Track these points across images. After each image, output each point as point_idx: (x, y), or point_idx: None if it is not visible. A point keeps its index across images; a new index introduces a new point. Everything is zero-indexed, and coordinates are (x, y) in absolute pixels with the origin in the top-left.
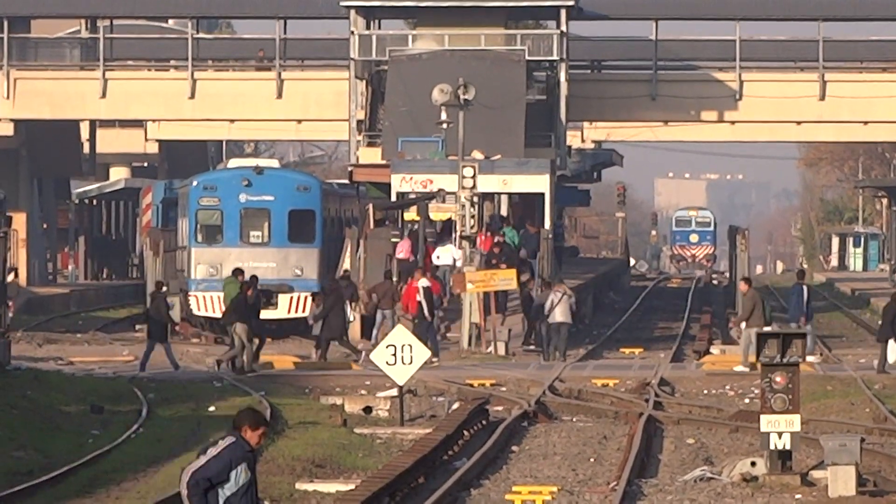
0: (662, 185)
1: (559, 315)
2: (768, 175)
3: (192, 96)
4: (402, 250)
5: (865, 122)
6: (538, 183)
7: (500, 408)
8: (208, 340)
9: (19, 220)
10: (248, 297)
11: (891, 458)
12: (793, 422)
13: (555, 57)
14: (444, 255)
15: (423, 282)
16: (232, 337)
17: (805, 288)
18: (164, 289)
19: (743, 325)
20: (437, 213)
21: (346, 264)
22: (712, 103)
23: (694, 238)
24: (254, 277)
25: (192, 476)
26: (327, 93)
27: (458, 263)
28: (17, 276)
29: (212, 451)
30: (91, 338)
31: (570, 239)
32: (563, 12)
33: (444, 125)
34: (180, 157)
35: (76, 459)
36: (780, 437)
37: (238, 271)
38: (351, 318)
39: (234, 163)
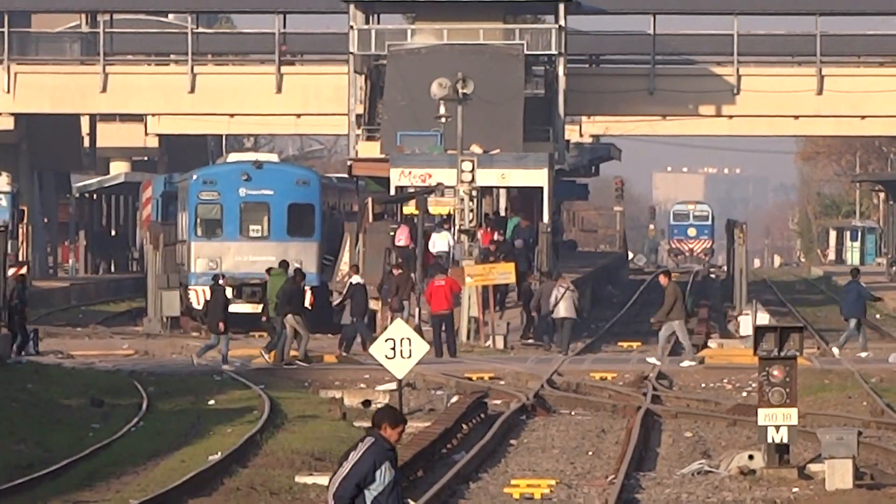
0: (660, 179)
1: (563, 310)
2: (766, 169)
3: (192, 90)
4: (402, 237)
5: (863, 117)
6: (536, 177)
7: (498, 401)
8: (208, 334)
9: None
10: (301, 286)
11: (888, 451)
12: (790, 415)
13: (553, 51)
14: (440, 241)
15: (356, 278)
16: (275, 328)
17: (859, 286)
18: (222, 281)
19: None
20: (436, 206)
21: (345, 258)
22: (710, 97)
23: (692, 232)
24: (298, 270)
25: (340, 486)
26: (326, 87)
27: (455, 249)
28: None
29: (353, 457)
30: (91, 331)
31: (568, 233)
32: (561, 7)
33: (443, 119)
34: (180, 152)
35: (76, 453)
36: (777, 431)
37: (284, 263)
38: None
39: (233, 157)
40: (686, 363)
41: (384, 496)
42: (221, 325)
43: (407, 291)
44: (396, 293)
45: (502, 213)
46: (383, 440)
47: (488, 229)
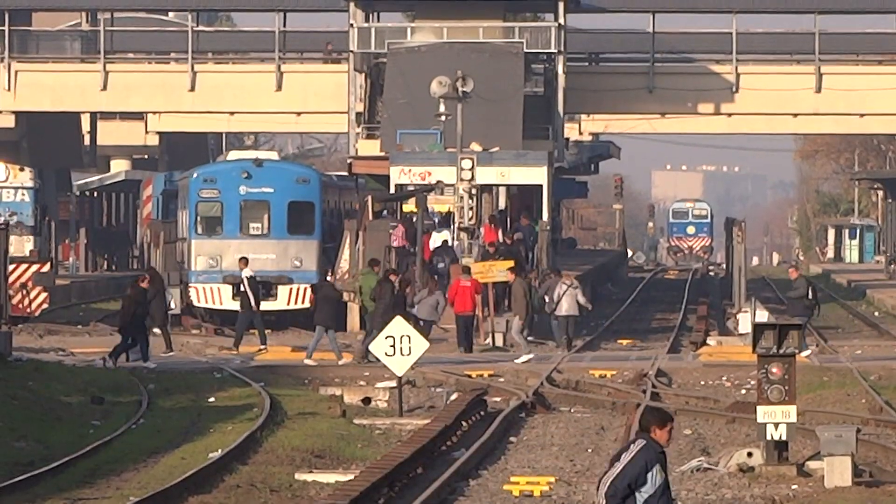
0: (660, 177)
1: (565, 307)
2: (765, 167)
3: (193, 89)
4: (396, 238)
5: (861, 115)
6: (536, 175)
7: (498, 399)
8: (208, 332)
9: None
10: (404, 294)
11: (886, 448)
12: (789, 413)
13: (552, 49)
14: (439, 241)
15: (247, 272)
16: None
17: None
18: (329, 277)
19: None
20: (436, 204)
21: (345, 255)
22: (709, 96)
23: (691, 230)
24: (394, 272)
25: (612, 485)
26: (326, 85)
27: (455, 247)
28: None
29: (626, 457)
30: (92, 329)
31: (567, 230)
32: (560, 5)
33: (443, 117)
34: (180, 150)
35: (77, 450)
36: (776, 428)
37: (374, 262)
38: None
39: (233, 155)
40: (522, 359)
41: (654, 499)
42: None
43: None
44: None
45: (500, 213)
46: (654, 442)
47: (492, 226)
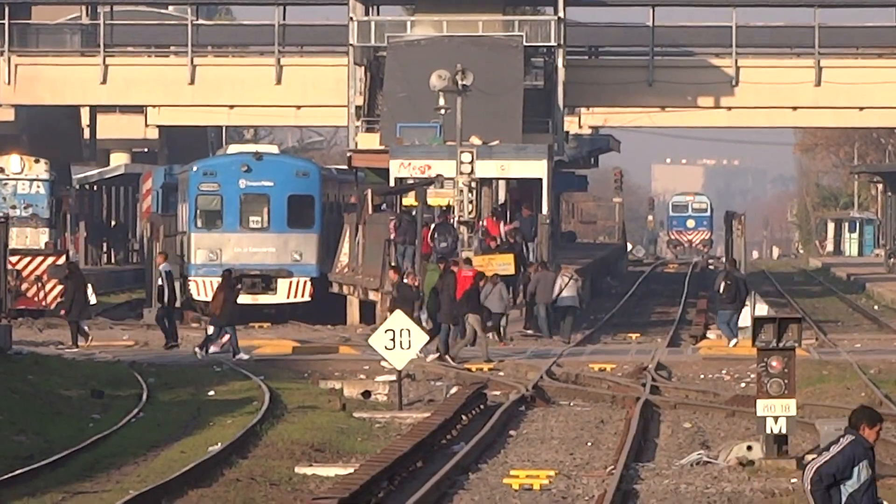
0: (659, 170)
1: (567, 299)
2: (765, 161)
3: (192, 82)
4: (390, 231)
5: (861, 108)
6: (536, 168)
7: (497, 392)
8: (208, 325)
9: None
10: (479, 287)
11: (886, 442)
12: (789, 406)
13: (552, 43)
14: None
15: (165, 266)
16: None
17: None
18: (408, 279)
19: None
20: (436, 198)
21: (345, 249)
22: (709, 89)
23: (691, 223)
24: (480, 272)
25: (817, 471)
26: (326, 79)
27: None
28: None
29: (835, 448)
30: (91, 322)
31: (567, 224)
32: None
33: (443, 111)
34: (180, 143)
35: (77, 444)
36: (776, 422)
37: (440, 259)
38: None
39: (233, 148)
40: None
41: (859, 494)
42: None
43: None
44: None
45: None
46: (863, 439)
47: (495, 219)
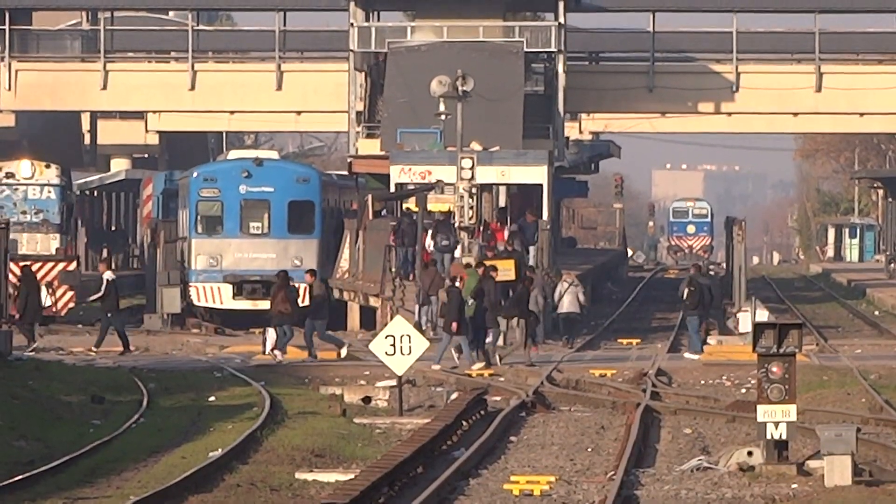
0: (660, 176)
1: (566, 305)
2: (765, 166)
3: (193, 88)
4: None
5: (861, 114)
6: (536, 174)
7: (498, 398)
8: (209, 331)
9: None
10: (529, 290)
11: (886, 447)
12: (789, 412)
13: (553, 48)
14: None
15: (108, 274)
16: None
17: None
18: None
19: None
20: (436, 204)
21: (345, 255)
22: (709, 95)
23: (691, 229)
24: (526, 275)
25: None
26: (327, 84)
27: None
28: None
29: None
30: (92, 328)
31: (568, 230)
32: (560, 4)
33: (443, 116)
34: (181, 149)
35: (77, 449)
36: (776, 427)
37: (479, 264)
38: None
39: (234, 154)
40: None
41: None
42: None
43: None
44: (429, 287)
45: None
46: None
47: (499, 223)
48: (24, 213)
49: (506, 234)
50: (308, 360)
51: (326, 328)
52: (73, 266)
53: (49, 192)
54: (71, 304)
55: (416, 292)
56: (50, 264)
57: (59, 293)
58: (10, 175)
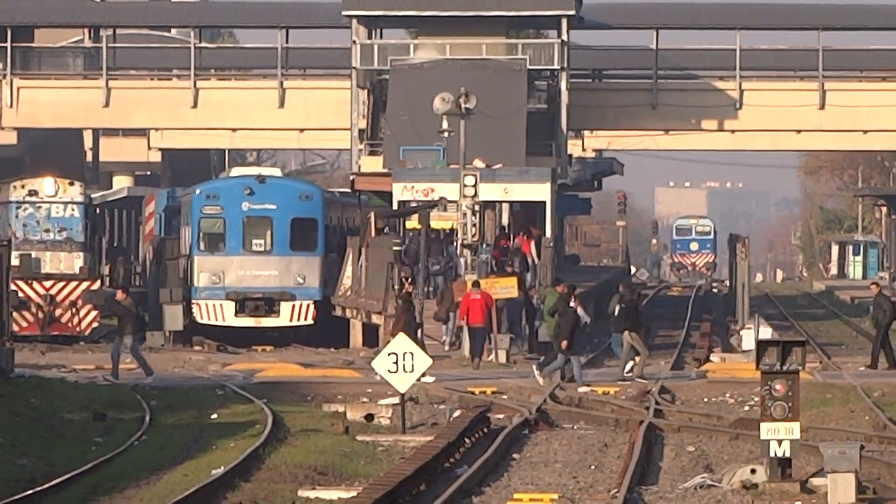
0: (663, 193)
1: None
2: (768, 183)
3: (195, 105)
4: None
5: (865, 132)
6: (539, 191)
7: (501, 415)
8: (211, 348)
9: None
10: (636, 303)
11: (890, 465)
12: (792, 429)
13: (556, 66)
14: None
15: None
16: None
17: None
18: (573, 304)
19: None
20: (439, 221)
21: (347, 272)
22: (713, 112)
23: (694, 246)
24: (633, 288)
25: None
26: (329, 102)
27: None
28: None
29: None
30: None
31: (571, 247)
32: (563, 22)
33: (446, 134)
34: (183, 166)
35: (79, 467)
36: (779, 445)
37: (557, 281)
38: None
39: (236, 171)
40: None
41: None
42: (565, 344)
43: (452, 303)
44: (441, 302)
45: (506, 229)
46: None
47: (525, 237)
48: (47, 231)
49: (532, 247)
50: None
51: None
52: (96, 285)
53: (73, 209)
54: (95, 324)
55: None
56: (73, 283)
57: (82, 312)
58: (33, 193)
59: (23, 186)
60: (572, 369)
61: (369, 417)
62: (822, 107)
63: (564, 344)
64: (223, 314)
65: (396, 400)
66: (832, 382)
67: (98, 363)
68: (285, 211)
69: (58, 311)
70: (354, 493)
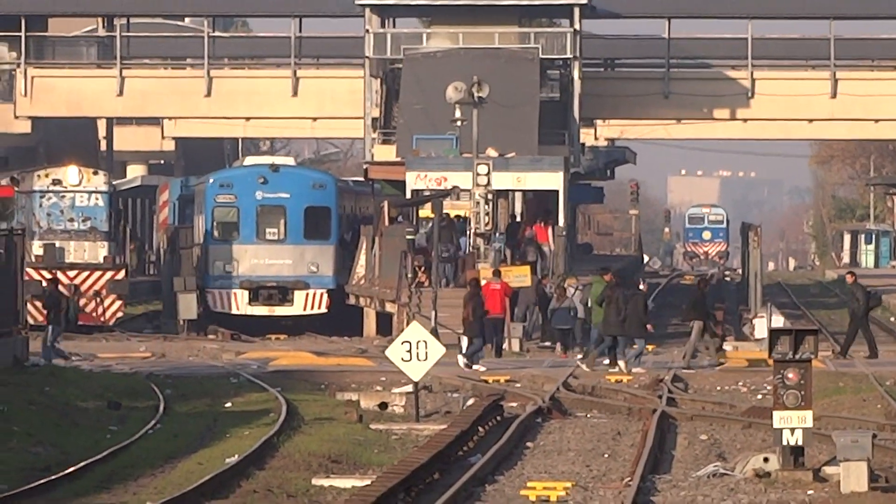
0: (675, 182)
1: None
2: (780, 172)
3: (209, 94)
4: None
5: (876, 120)
6: (552, 180)
7: (514, 404)
8: (225, 337)
9: None
10: (705, 293)
11: None
12: (805, 418)
13: (568, 55)
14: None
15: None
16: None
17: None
18: (642, 287)
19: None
20: (452, 210)
21: (361, 261)
22: (725, 101)
23: (707, 235)
24: (703, 278)
25: None
26: (342, 91)
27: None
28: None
29: None
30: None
31: (583, 236)
32: (576, 10)
33: (459, 123)
34: (196, 155)
35: (93, 455)
36: (792, 433)
37: (604, 270)
38: None
39: (249, 160)
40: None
41: None
42: (649, 328)
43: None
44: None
45: (518, 219)
46: None
47: (542, 224)
48: (71, 220)
49: (550, 234)
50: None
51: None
52: (121, 275)
53: (97, 199)
54: (119, 314)
55: (432, 297)
56: (98, 273)
57: (106, 302)
58: (57, 182)
59: (46, 175)
60: (614, 352)
61: (383, 406)
62: (834, 96)
63: (649, 327)
64: (237, 303)
65: (410, 388)
66: (844, 371)
67: (117, 351)
68: (299, 200)
69: (82, 301)
70: (368, 482)
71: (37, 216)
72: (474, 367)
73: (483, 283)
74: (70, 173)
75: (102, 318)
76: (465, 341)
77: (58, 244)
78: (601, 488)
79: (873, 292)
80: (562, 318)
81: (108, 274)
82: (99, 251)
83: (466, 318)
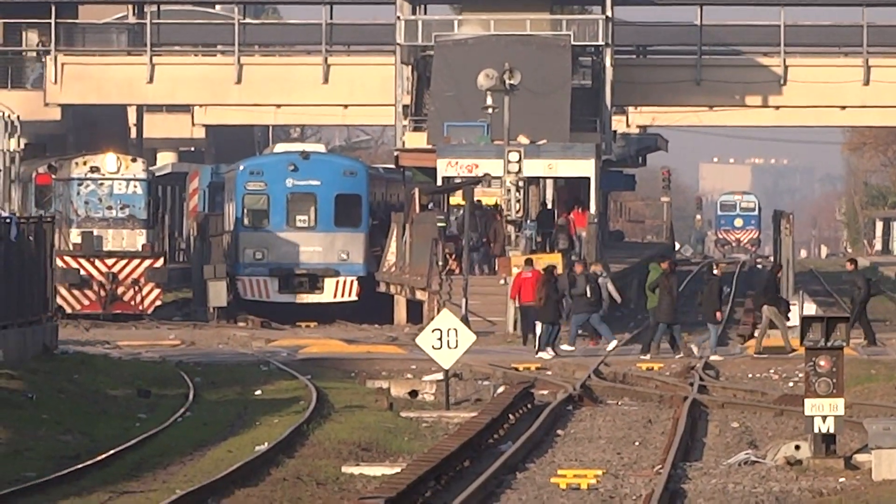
0: (707, 169)
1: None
2: (812, 160)
3: (239, 81)
4: None
5: None
6: (584, 167)
7: (545, 391)
8: (255, 324)
9: None
10: (778, 279)
11: None
12: (837, 405)
13: (600, 42)
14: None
15: None
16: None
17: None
18: (716, 271)
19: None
20: (483, 197)
21: (391, 249)
22: (757, 88)
23: (738, 222)
24: (777, 264)
25: None
26: (373, 78)
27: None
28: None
29: None
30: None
31: (615, 223)
32: None
33: (490, 110)
34: (227, 142)
35: (123, 443)
36: (824, 421)
37: (662, 258)
38: None
39: (280, 147)
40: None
41: None
42: (718, 315)
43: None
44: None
45: (549, 206)
46: None
47: (580, 210)
48: (109, 208)
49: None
50: None
51: None
52: (159, 263)
53: (135, 186)
54: (158, 302)
55: (462, 285)
56: (136, 261)
57: (145, 291)
58: (94, 169)
59: (84, 163)
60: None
61: (413, 394)
62: (867, 83)
63: (718, 315)
64: (267, 290)
65: (440, 376)
66: (876, 358)
67: (147, 339)
68: (329, 187)
69: (120, 290)
70: (398, 469)
71: (74, 204)
72: (540, 354)
73: (515, 271)
74: (108, 161)
75: (140, 307)
76: (538, 328)
77: (96, 232)
78: (632, 476)
79: (874, 280)
80: (577, 305)
81: (147, 262)
82: (137, 239)
83: (540, 304)
